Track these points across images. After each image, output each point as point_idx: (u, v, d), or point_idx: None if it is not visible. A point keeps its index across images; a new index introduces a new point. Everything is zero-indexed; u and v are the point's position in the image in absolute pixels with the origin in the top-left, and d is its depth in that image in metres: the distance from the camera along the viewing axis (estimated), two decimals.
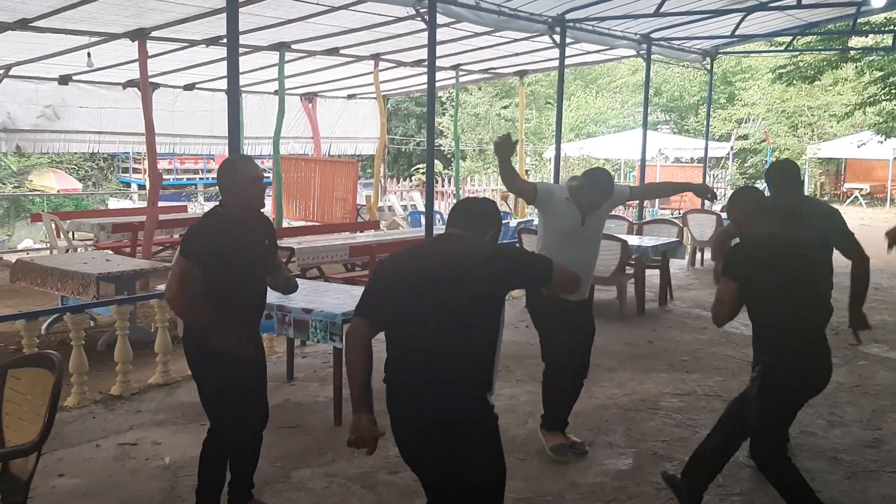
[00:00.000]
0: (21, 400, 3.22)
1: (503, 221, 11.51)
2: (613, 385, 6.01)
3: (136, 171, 27.04)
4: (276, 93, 12.58)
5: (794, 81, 16.53)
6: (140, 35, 8.81)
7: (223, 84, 13.05)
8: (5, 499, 3.03)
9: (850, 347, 7.13)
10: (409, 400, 2.80)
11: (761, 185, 10.26)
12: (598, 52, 12.74)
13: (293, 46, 10.61)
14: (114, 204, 20.90)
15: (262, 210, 3.71)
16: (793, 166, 4.50)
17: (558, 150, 11.19)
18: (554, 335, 4.62)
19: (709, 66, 14.06)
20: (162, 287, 7.50)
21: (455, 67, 13.25)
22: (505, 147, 4.32)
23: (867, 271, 4.28)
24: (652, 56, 12.21)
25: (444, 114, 26.67)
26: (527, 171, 15.76)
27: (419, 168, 23.95)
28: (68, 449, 4.68)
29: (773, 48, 15.58)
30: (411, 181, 22.16)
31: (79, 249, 10.61)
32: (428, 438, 2.76)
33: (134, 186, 25.99)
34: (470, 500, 2.82)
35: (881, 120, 18.45)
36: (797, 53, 15.31)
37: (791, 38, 13.12)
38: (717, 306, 3.56)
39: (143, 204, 18.06)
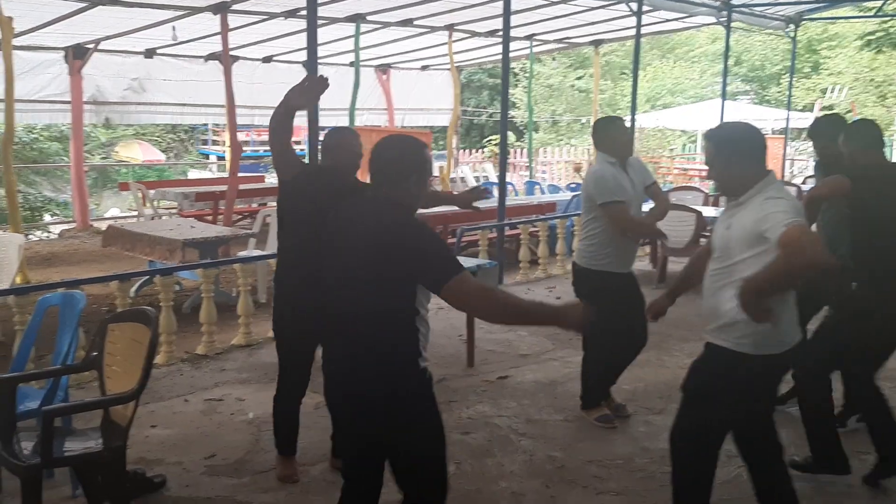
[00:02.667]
0: (120, 352, 3.44)
1: (577, 193, 11.36)
2: (685, 355, 5.99)
3: (214, 142, 27.71)
4: (351, 64, 12.76)
5: (884, 48, 15.85)
6: (222, 8, 9.07)
7: (300, 56, 13.37)
8: (106, 443, 3.26)
9: None
10: (332, 368, 2.71)
11: None
12: (676, 19, 12.49)
13: (368, 18, 10.73)
14: (193, 174, 21.53)
15: None
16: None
17: (633, 121, 11.04)
18: (602, 311, 4.55)
19: (792, 34, 13.61)
20: (243, 253, 7.79)
21: (529, 37, 13.19)
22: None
23: None
24: (732, 23, 11.90)
25: (517, 85, 26.48)
26: None
27: (492, 140, 23.91)
28: (159, 402, 4.95)
29: (861, 14, 14.95)
30: (484, 153, 22.16)
31: (163, 217, 11.04)
32: (355, 408, 2.66)
33: (213, 157, 26.70)
34: (404, 470, 2.73)
35: None
36: (888, 18, 14.66)
37: (882, 1, 12.56)
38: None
39: (222, 174, 18.60)
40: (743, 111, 22.79)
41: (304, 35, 10.78)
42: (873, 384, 3.90)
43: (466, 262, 5.81)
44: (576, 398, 4.83)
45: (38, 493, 2.99)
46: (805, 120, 23.72)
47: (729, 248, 2.93)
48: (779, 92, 29.20)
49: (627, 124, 5.99)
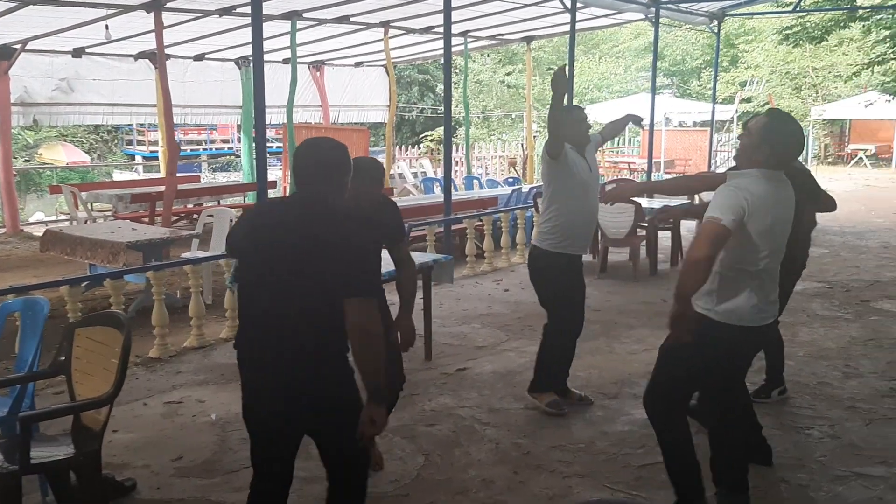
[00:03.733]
0: (89, 357, 3.40)
1: (517, 187, 11.58)
2: (633, 341, 6.22)
3: (140, 142, 27.07)
4: (285, 62, 12.70)
5: (801, 42, 16.54)
6: (156, 6, 8.90)
7: (232, 54, 13.23)
8: (80, 447, 3.23)
9: (861, 303, 7.35)
10: (263, 373, 2.68)
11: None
12: (605, 16, 12.79)
13: (304, 15, 10.68)
14: (118, 176, 21.00)
15: None
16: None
17: None
18: (564, 294, 4.71)
19: (716, 29, 14.08)
20: (188, 254, 7.70)
21: (463, 34, 13.31)
22: (561, 81, 4.19)
23: None
24: (660, 20, 12.24)
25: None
26: (534, 136, 15.84)
27: (428, 135, 24.01)
28: (118, 407, 4.81)
29: (780, 9, 15.58)
30: (419, 148, 22.24)
31: (99, 220, 10.78)
32: (285, 405, 2.65)
33: (138, 158, 26.07)
34: (334, 457, 2.78)
35: (888, 79, 18.47)
36: (804, 14, 15.31)
37: None
38: None
39: (150, 175, 18.18)
40: (668, 105, 23.48)
41: (238, 33, 10.82)
42: None
43: (421, 257, 5.90)
44: None
45: (19, 500, 2.96)
46: (727, 112, 24.59)
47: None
48: (699, 85, 30.13)
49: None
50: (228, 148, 27.75)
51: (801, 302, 7.10)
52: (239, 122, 14.89)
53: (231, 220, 8.20)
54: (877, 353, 5.91)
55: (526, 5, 11.29)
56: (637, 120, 5.38)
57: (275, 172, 15.71)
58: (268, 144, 8.68)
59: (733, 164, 4.01)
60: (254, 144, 12.17)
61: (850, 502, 3.70)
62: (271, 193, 9.27)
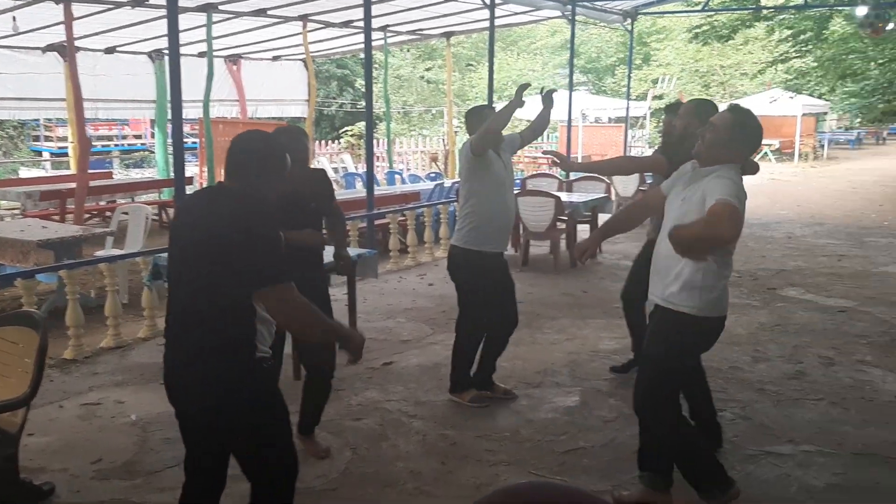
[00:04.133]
0: (3, 358, 3.29)
1: (439, 182, 11.59)
2: (555, 331, 6.35)
3: (48, 138, 26.01)
4: (200, 55, 12.42)
5: (709, 40, 17.12)
6: None
7: (146, 46, 12.85)
8: None
9: (768, 291, 7.70)
10: (178, 368, 2.67)
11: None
12: (524, 13, 12.96)
13: (220, 7, 10.47)
14: (25, 173, 20.13)
15: None
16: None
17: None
18: (480, 293, 4.72)
19: (629, 27, 14.46)
20: (101, 253, 7.47)
21: (383, 28, 13.28)
22: (519, 97, 4.53)
23: None
24: (576, 17, 12.49)
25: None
26: (455, 132, 15.92)
27: (348, 130, 23.85)
28: (32, 410, 4.64)
29: (689, 8, 16.09)
30: (339, 144, 22.08)
31: (6, 219, 10.34)
32: (197, 402, 2.63)
33: (46, 154, 25.04)
34: (248, 458, 2.74)
35: (791, 77, 19.29)
36: (712, 13, 15.86)
37: None
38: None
39: (58, 172, 17.50)
40: (584, 101, 23.97)
41: (152, 25, 10.53)
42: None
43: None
44: None
45: None
46: (640, 109, 25.28)
47: (684, 220, 3.18)
48: (614, 82, 30.88)
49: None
50: (142, 144, 26.94)
51: None
52: (153, 117, 14.47)
53: (147, 218, 8.00)
54: (783, 338, 6.21)
55: (446, 1, 11.36)
56: (549, 99, 5.04)
57: (191, 168, 15.35)
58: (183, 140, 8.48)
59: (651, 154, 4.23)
60: (169, 140, 11.90)
61: (761, 480, 3.89)
62: (188, 189, 9.05)
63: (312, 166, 4.99)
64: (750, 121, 3.29)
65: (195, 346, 2.58)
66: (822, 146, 28.29)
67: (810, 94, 25.30)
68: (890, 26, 12.20)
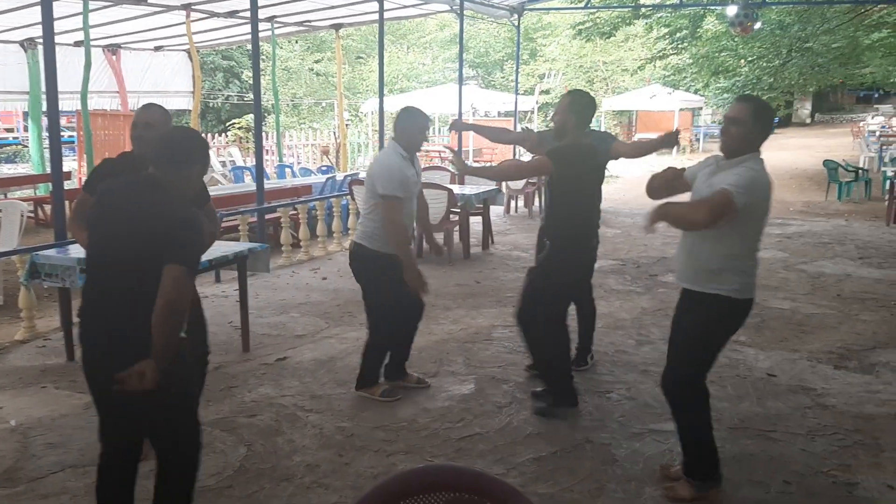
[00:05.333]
0: None
1: (331, 175, 11.53)
2: (450, 322, 6.44)
3: None
4: (77, 44, 11.89)
5: (592, 37, 17.63)
6: None
7: (17, 35, 12.17)
8: None
9: (650, 278, 8.05)
10: (94, 352, 2.77)
11: None
12: (413, 6, 12.99)
13: None
14: None
15: None
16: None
17: (382, 103, 11.40)
18: (390, 291, 4.67)
19: (516, 23, 14.72)
20: None
21: (270, 19, 13.02)
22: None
23: None
24: (464, 12, 12.62)
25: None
26: (347, 124, 15.83)
27: (235, 123, 23.29)
28: None
29: (573, 5, 16.52)
30: (227, 137, 21.54)
31: None
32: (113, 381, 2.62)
33: None
34: (160, 427, 2.86)
35: (668, 73, 20.11)
36: (594, 11, 16.34)
37: None
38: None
39: None
40: (475, 95, 24.26)
41: (24, 12, 9.98)
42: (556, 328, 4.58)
43: (236, 246, 5.78)
44: (356, 371, 4.95)
45: None
46: (528, 103, 25.79)
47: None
48: (503, 77, 31.39)
49: (368, 108, 6.17)
50: (14, 137, 25.54)
51: (598, 278, 7.57)
52: (26, 110, 13.71)
53: (22, 214, 7.61)
54: (664, 321, 6.46)
55: None
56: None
57: (69, 163, 14.65)
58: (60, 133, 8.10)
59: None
60: (45, 133, 11.31)
61: (646, 456, 4.08)
62: (67, 185, 8.64)
63: None
64: (764, 108, 3.45)
65: (117, 329, 2.69)
66: (698, 139, 29.66)
67: (686, 90, 26.49)
68: (758, 25, 12.91)
